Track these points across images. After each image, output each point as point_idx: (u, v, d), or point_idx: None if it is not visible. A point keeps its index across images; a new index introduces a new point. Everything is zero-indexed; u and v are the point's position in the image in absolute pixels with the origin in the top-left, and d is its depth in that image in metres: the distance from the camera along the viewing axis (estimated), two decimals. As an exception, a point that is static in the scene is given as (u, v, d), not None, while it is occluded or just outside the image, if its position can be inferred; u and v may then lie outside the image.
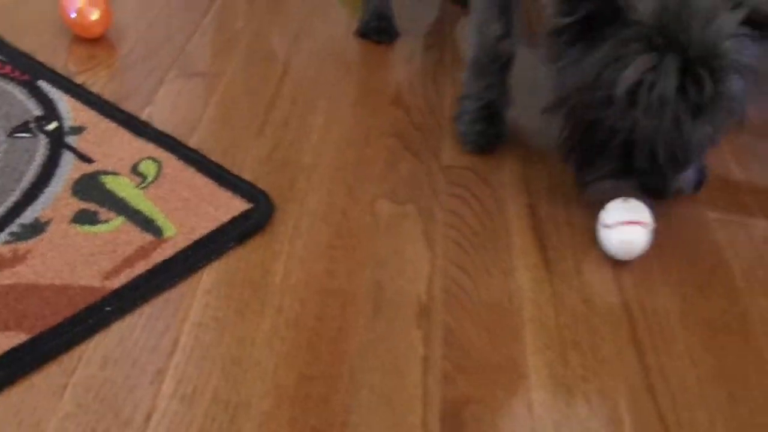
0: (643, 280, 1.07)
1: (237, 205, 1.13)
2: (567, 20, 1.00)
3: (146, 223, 1.09)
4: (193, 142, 1.28)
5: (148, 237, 1.07)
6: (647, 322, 1.02)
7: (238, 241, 1.08)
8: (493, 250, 1.11)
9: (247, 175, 1.21)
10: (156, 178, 1.18)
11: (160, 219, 1.10)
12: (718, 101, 0.98)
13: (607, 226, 1.06)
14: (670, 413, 0.90)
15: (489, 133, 1.31)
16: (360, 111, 1.41)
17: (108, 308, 0.96)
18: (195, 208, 1.12)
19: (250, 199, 1.15)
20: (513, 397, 0.91)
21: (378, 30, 1.66)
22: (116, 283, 0.99)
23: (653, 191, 1.06)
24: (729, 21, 0.97)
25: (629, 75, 0.96)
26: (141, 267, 1.02)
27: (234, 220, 1.11)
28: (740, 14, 0.97)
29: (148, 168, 1.19)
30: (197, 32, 1.65)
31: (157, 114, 1.35)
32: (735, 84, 0.98)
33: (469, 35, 1.33)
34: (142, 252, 1.04)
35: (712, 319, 1.02)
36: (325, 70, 1.54)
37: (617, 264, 1.09)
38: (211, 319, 0.97)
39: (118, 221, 1.09)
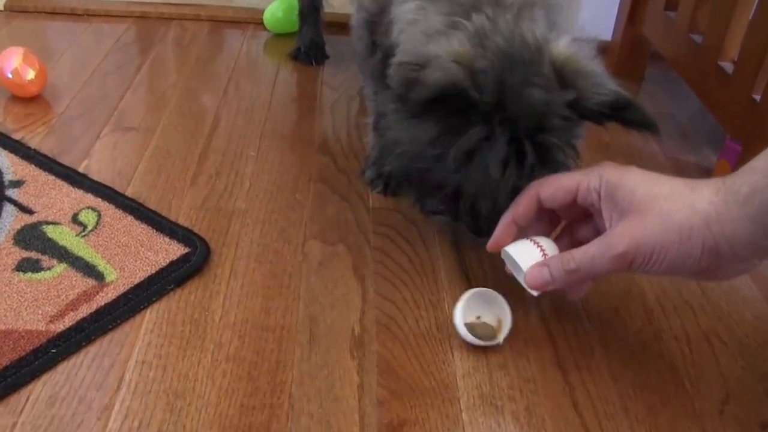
0: (563, 306, 1.10)
1: (175, 250, 1.13)
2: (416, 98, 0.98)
3: (88, 269, 1.08)
4: (130, 192, 1.27)
5: (91, 282, 1.06)
6: (569, 344, 1.04)
7: (178, 284, 1.08)
8: (420, 284, 1.12)
9: (183, 222, 1.21)
10: (96, 226, 1.17)
11: (101, 264, 1.09)
12: (540, 170, 0.98)
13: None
14: (595, 426, 0.92)
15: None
16: (288, 159, 1.42)
17: (53, 350, 0.95)
18: (135, 253, 1.12)
19: (187, 244, 1.14)
20: (445, 418, 0.91)
21: (310, 55, 1.85)
22: (61, 326, 0.98)
23: (477, 231, 1.06)
24: (556, 101, 0.96)
25: (463, 142, 0.96)
26: (85, 310, 1.01)
27: (172, 264, 1.10)
28: (566, 97, 0.96)
29: (88, 217, 1.18)
30: (130, 89, 1.65)
31: (95, 166, 1.35)
32: (558, 156, 0.99)
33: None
34: (85, 296, 1.03)
35: (629, 338, 1.04)
36: (253, 122, 1.55)
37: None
38: (154, 356, 0.96)
39: (60, 268, 1.08)
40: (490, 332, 1.02)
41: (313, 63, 1.85)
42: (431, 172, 1.02)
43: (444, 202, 1.06)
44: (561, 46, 0.98)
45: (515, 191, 0.99)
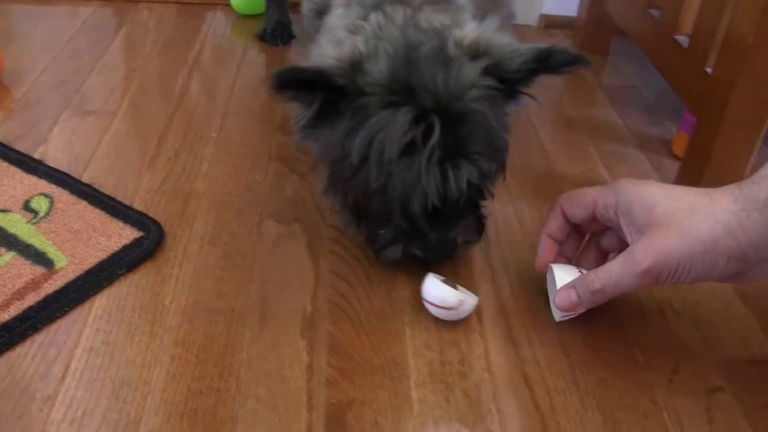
0: (517, 282, 1.09)
1: (128, 234, 1.12)
2: (306, 118, 0.97)
3: (37, 256, 1.06)
4: (86, 177, 1.26)
5: (39, 269, 1.04)
6: (522, 320, 1.02)
7: (129, 268, 1.06)
8: (375, 261, 1.10)
9: (138, 206, 1.19)
10: (48, 213, 1.15)
11: (51, 251, 1.07)
12: (463, 148, 0.93)
13: (427, 302, 1.01)
14: (545, 400, 0.91)
15: None
16: (249, 139, 1.40)
17: (-3, 341, 0.93)
18: (86, 239, 1.10)
19: (141, 228, 1.13)
20: (395, 397, 0.90)
21: (276, 35, 1.83)
22: (5, 316, 0.96)
23: (437, 251, 1.03)
24: (468, 71, 0.94)
25: (362, 137, 0.92)
26: (32, 299, 0.99)
27: (125, 249, 1.09)
28: (481, 64, 0.94)
29: (40, 204, 1.17)
30: (93, 73, 1.63)
31: (51, 152, 1.33)
32: (477, 130, 0.94)
33: None
34: (33, 284, 1.01)
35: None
36: (216, 103, 1.53)
37: (494, 269, 1.10)
38: (102, 343, 0.95)
39: (8, 256, 1.06)
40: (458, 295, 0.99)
41: (279, 43, 1.84)
42: (359, 191, 0.99)
43: (383, 222, 1.02)
44: (466, 30, 0.98)
45: (451, 182, 0.95)
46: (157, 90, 1.57)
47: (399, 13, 1.01)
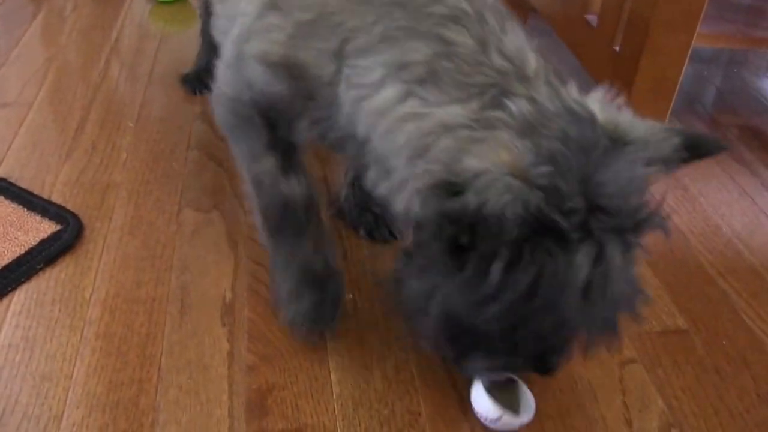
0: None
1: (46, 228, 1.11)
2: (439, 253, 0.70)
3: (-47, 254, 1.05)
4: (1, 172, 1.24)
5: (-45, 267, 1.03)
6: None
7: (48, 262, 1.05)
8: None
9: (56, 199, 1.18)
10: (-37, 209, 1.13)
11: (-33, 248, 1.06)
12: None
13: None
14: (462, 379, 0.92)
15: (323, 312, 0.98)
16: (167, 127, 1.39)
17: None
18: (3, 234, 1.09)
19: (59, 221, 1.12)
20: (314, 381, 0.92)
21: (197, 86, 1.53)
22: None
23: (540, 368, 0.82)
24: (639, 175, 0.73)
25: (529, 275, 0.67)
26: (-52, 297, 0.98)
27: (43, 243, 1.08)
28: (637, 158, 0.72)
29: (-46, 200, 1.15)
30: (6, 64, 1.59)
31: (-35, 147, 1.30)
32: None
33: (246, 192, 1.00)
34: (-51, 282, 1.00)
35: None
36: (133, 92, 1.51)
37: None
38: (21, 339, 0.94)
39: (-77, 255, 1.05)
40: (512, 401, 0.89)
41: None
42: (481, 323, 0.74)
43: (495, 349, 0.79)
44: (600, 110, 0.75)
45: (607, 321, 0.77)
46: (75, 80, 1.55)
47: (542, 97, 0.74)
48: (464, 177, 0.68)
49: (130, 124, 1.40)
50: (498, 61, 0.76)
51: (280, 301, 0.98)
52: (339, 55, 0.80)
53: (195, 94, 1.53)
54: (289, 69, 0.84)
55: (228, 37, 0.94)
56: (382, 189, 0.81)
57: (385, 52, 0.78)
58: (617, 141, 0.72)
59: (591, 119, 0.72)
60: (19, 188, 1.19)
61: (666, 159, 0.75)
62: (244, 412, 0.87)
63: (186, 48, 1.72)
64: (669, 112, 1.28)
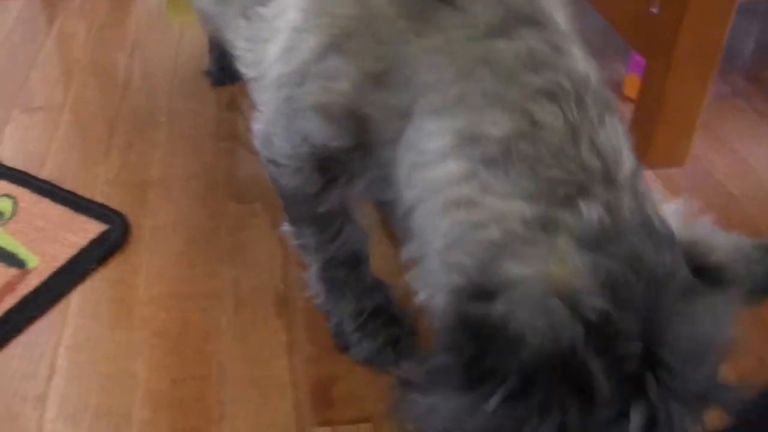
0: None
1: (93, 228, 1.13)
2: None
3: (9, 258, 1.08)
4: (44, 174, 1.26)
5: (13, 271, 1.06)
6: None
7: (99, 262, 1.08)
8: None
9: (99, 198, 1.20)
10: (13, 213, 1.16)
11: (22, 252, 1.09)
12: None
13: None
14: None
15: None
16: (199, 121, 1.41)
17: (-17, 346, 0.95)
18: (54, 236, 1.11)
19: (105, 221, 1.14)
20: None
21: (220, 77, 1.53)
22: (-12, 320, 0.98)
23: None
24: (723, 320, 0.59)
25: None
26: (10, 301, 1.01)
27: (92, 243, 1.11)
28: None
29: (4, 205, 1.17)
30: (34, 67, 1.61)
31: (6, 152, 1.33)
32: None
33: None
34: (9, 287, 1.03)
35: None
36: (161, 88, 1.53)
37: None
38: (83, 339, 0.97)
39: (-19, 261, 1.07)
40: None
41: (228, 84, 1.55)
42: None
43: None
44: (677, 223, 0.63)
45: None
46: (101, 78, 1.57)
47: (625, 206, 0.60)
48: (497, 282, 0.57)
49: (162, 119, 1.42)
50: (588, 156, 0.62)
51: (347, 337, 0.95)
52: (407, 112, 0.69)
53: (220, 85, 1.54)
54: (354, 122, 0.73)
55: (265, 67, 0.82)
56: (412, 273, 0.70)
57: (459, 118, 0.65)
58: (700, 270, 0.60)
59: (669, 240, 0.59)
60: (63, 190, 1.21)
61: (760, 286, 0.63)
62: (309, 404, 0.89)
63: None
64: (714, 73, 1.24)
